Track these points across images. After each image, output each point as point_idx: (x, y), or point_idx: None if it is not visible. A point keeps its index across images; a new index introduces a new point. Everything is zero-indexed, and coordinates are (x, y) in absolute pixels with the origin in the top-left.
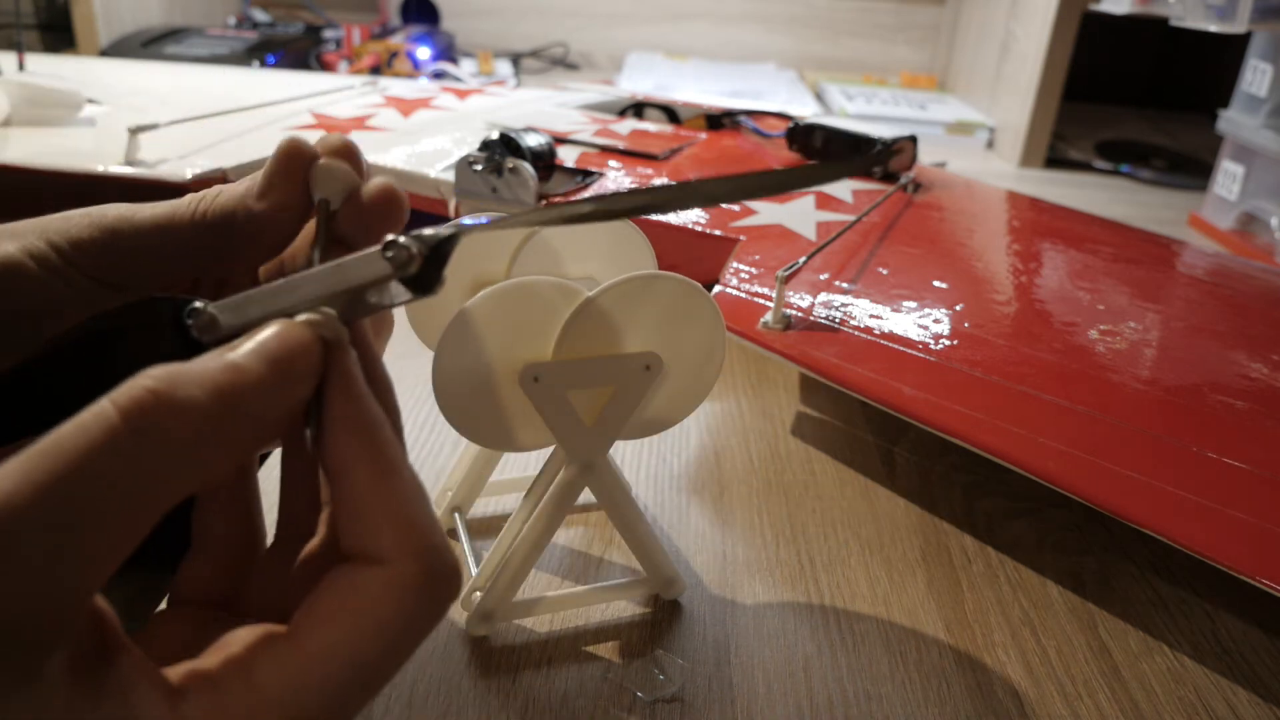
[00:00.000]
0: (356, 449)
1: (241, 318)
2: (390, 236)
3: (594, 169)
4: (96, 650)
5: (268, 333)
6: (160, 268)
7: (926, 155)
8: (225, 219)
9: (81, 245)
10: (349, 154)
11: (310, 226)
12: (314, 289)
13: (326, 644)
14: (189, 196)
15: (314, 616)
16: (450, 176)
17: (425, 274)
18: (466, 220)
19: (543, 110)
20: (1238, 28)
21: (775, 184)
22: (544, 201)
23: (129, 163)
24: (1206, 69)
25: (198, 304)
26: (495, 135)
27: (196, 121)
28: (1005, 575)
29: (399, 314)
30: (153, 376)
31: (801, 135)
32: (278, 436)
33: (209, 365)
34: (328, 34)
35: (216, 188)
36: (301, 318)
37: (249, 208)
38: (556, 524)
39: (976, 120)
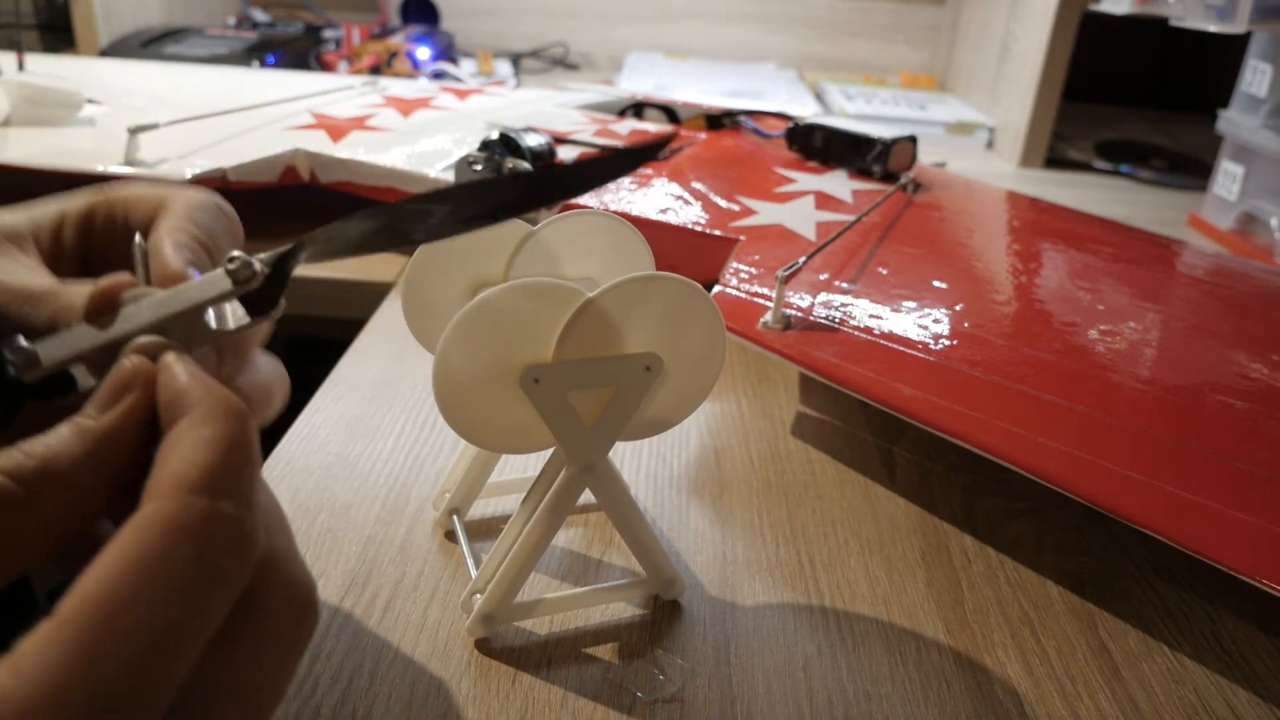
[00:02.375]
0: (167, 404)
1: (69, 350)
2: (235, 253)
3: None
4: None
5: (102, 387)
6: None
7: (926, 155)
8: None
9: None
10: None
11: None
12: (147, 315)
13: (79, 603)
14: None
15: (75, 587)
16: (450, 176)
17: (267, 292)
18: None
19: (542, 110)
20: (1238, 28)
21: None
22: None
23: (129, 163)
24: (1206, 69)
25: (20, 340)
26: (495, 135)
27: (196, 121)
28: (1005, 575)
29: (396, 315)
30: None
31: (801, 135)
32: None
33: (47, 444)
34: (327, 34)
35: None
36: (137, 342)
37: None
38: (557, 526)
39: (976, 120)
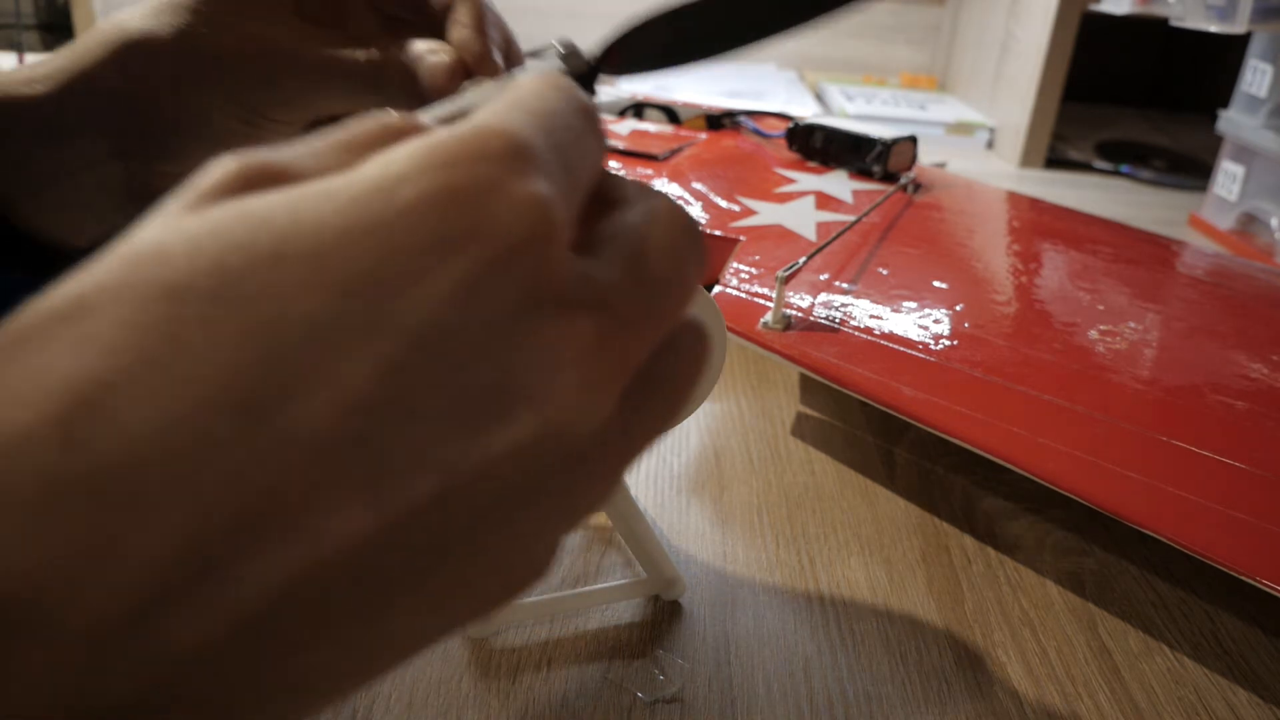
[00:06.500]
0: None
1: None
2: (564, 39)
3: None
4: None
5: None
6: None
7: (926, 155)
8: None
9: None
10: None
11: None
12: (490, 90)
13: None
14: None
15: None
16: None
17: (587, 79)
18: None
19: None
20: (1238, 28)
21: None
22: None
23: None
24: (1206, 69)
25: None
26: None
27: None
28: (1005, 575)
29: None
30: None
31: (801, 135)
32: None
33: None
34: None
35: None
36: None
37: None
38: None
39: (976, 120)
